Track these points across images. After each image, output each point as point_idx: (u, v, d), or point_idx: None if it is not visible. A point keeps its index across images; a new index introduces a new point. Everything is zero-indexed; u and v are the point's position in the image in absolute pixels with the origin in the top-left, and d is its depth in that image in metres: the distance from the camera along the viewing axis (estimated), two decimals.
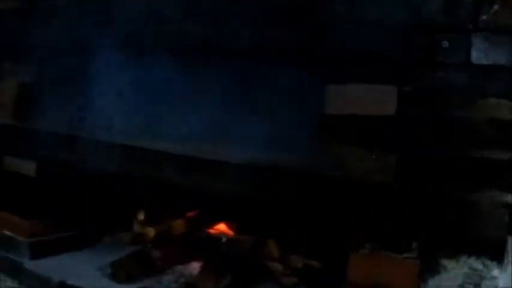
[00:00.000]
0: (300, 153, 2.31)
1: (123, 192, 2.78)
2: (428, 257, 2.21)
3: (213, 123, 2.41)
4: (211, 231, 2.79)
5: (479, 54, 2.16)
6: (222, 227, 2.83)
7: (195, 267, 2.81)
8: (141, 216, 2.87)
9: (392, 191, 2.22)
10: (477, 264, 2.18)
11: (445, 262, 2.20)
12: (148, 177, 2.65)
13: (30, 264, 2.85)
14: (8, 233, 2.92)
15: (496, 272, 2.16)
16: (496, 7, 2.12)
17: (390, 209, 2.23)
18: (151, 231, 2.79)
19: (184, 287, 2.66)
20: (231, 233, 2.80)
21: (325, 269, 2.60)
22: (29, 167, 2.94)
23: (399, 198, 2.23)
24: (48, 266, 2.83)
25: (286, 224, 2.47)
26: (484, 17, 2.14)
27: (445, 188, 2.19)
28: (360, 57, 2.24)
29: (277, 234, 2.62)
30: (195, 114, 2.44)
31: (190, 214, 2.85)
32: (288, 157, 2.33)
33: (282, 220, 2.46)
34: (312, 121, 2.30)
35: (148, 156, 2.64)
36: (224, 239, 2.69)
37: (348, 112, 2.27)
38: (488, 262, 2.17)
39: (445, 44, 2.17)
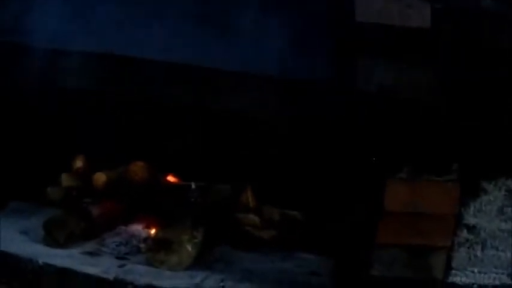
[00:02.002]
0: (324, 64, 2.05)
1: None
2: (468, 179, 2.06)
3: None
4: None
5: None
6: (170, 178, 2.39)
7: (145, 226, 2.34)
8: (78, 163, 2.30)
9: (430, 109, 2.05)
10: None
11: (485, 184, 2.07)
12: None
13: None
14: None
15: None
16: None
17: (429, 128, 2.05)
18: (100, 177, 2.24)
19: (153, 244, 2.19)
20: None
21: (308, 220, 2.32)
22: None
23: (437, 116, 2.06)
24: None
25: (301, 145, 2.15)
26: None
27: (482, 108, 2.07)
28: None
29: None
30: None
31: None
32: (310, 68, 2.05)
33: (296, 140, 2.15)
34: (340, 30, 2.06)
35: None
36: (194, 187, 2.27)
37: (379, 21, 2.06)
38: None
39: None
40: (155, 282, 2.11)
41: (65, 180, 2.35)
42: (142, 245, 2.27)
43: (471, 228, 2.08)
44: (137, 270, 2.17)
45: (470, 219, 2.08)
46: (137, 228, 2.33)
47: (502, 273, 2.01)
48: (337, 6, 2.08)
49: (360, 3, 2.07)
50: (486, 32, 2.07)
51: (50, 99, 2.30)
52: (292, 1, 2.09)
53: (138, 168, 2.30)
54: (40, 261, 2.13)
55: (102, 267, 2.16)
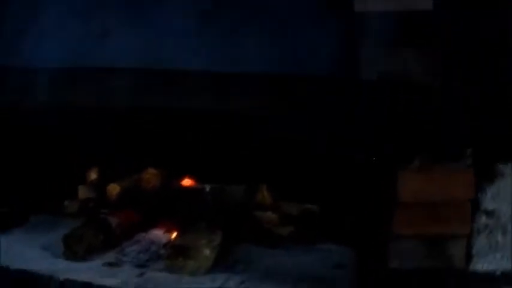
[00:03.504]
0: (328, 56, 2.00)
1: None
2: (484, 163, 2.01)
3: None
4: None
5: None
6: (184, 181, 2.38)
7: (163, 232, 2.34)
8: (93, 175, 2.31)
9: (438, 94, 1.99)
10: None
11: (501, 167, 2.01)
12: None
13: None
14: None
15: None
16: None
17: (439, 114, 2.00)
18: (114, 189, 2.25)
19: (172, 251, 2.19)
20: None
21: (326, 213, 2.29)
22: None
23: (447, 101, 2.00)
24: None
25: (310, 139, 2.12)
26: None
27: (493, 89, 2.00)
28: None
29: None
30: None
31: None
32: (315, 61, 2.01)
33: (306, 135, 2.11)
34: (341, 20, 2.00)
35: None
36: (208, 189, 2.26)
37: (379, 9, 2.00)
38: None
39: None
40: None
41: (82, 192, 2.37)
42: (162, 251, 2.27)
43: (490, 214, 2.03)
44: (157, 278, 2.17)
45: (488, 205, 2.02)
46: (156, 234, 2.33)
47: None
48: None
49: None
50: (490, 12, 2.00)
51: (63, 115, 2.31)
52: None
53: (150, 176, 2.30)
54: (61, 277, 2.14)
55: (122, 277, 2.16)
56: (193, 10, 2.09)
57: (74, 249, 2.23)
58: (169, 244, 2.23)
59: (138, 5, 2.17)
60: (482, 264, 2.02)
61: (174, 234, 2.27)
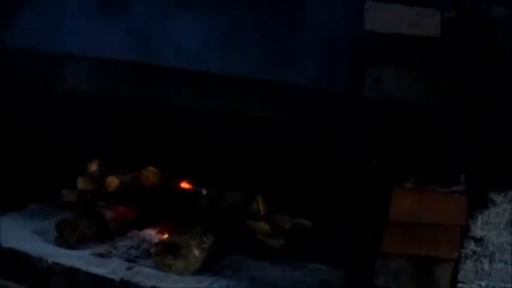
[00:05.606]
0: (335, 74, 2.05)
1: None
2: (477, 190, 2.03)
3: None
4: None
5: None
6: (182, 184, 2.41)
7: (157, 231, 2.36)
8: (93, 167, 2.35)
9: (438, 118, 2.03)
10: None
11: (494, 196, 2.03)
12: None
13: None
14: None
15: None
16: None
17: (436, 137, 2.03)
18: (113, 181, 2.28)
19: (161, 248, 2.21)
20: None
21: (317, 229, 2.31)
22: None
23: (446, 125, 2.03)
24: None
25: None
26: None
27: (492, 117, 2.05)
28: None
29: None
30: None
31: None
32: (323, 78, 2.06)
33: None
34: (350, 39, 2.06)
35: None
36: (205, 193, 2.29)
37: (388, 30, 2.05)
38: None
39: None
40: (161, 285, 2.12)
41: (81, 183, 2.40)
42: (153, 249, 2.29)
43: (478, 241, 2.04)
44: (145, 273, 2.19)
45: (477, 232, 2.04)
46: (149, 233, 2.35)
47: None
48: (346, 15, 2.09)
49: (369, 11, 2.07)
50: (498, 41, 2.05)
51: (69, 105, 2.36)
52: (301, 10, 2.10)
53: (150, 173, 2.33)
54: (49, 261, 2.17)
55: (110, 268, 2.19)
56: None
57: (66, 237, 2.26)
58: (159, 242, 2.25)
59: None
60: None
61: (167, 234, 2.29)
